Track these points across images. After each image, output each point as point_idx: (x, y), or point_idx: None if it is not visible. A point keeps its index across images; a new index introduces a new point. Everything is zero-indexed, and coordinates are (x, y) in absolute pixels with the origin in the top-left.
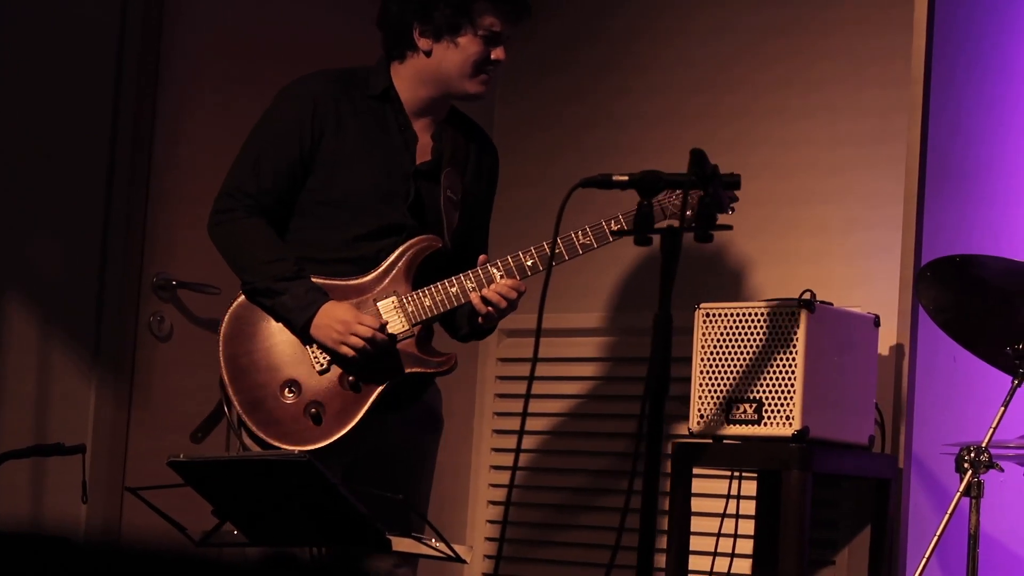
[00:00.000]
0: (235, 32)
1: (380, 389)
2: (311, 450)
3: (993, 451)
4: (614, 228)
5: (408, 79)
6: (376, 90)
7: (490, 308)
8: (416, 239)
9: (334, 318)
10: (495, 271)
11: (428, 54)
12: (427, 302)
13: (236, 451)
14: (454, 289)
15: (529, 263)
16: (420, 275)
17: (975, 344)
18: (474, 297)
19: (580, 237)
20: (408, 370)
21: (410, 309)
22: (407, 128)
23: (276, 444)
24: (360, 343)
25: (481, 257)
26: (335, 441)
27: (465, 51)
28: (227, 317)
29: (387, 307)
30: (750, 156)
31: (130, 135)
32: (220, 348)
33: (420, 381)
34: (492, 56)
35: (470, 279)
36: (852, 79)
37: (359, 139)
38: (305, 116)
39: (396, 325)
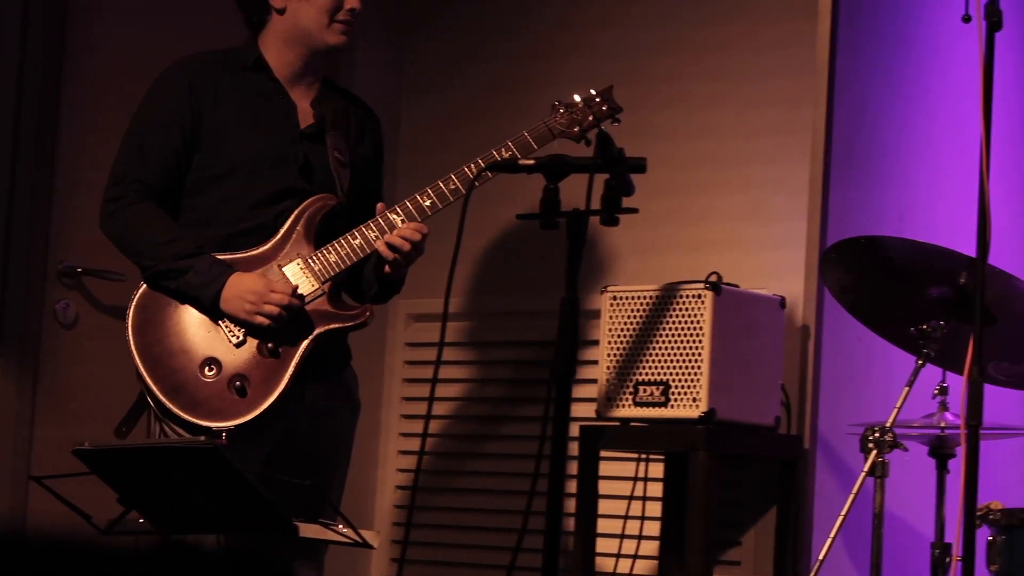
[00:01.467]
0: (141, 25)
1: (301, 350)
2: (242, 423)
3: (897, 431)
4: (505, 155)
5: (274, 46)
6: (248, 62)
7: (396, 255)
8: (310, 199)
9: (244, 289)
10: (395, 217)
11: (282, 12)
12: (332, 258)
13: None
14: (357, 241)
15: (428, 203)
16: (322, 237)
17: (880, 325)
18: (379, 244)
19: (473, 169)
20: (324, 327)
21: (317, 268)
22: (284, 95)
23: (206, 424)
24: (275, 311)
25: (379, 206)
26: (264, 412)
27: (316, 1)
28: (132, 309)
29: (293, 270)
30: (657, 144)
31: (34, 122)
32: (131, 341)
33: (338, 354)
34: (346, 4)
35: (372, 228)
36: (758, 67)
37: (240, 110)
38: (183, 95)
39: (305, 286)
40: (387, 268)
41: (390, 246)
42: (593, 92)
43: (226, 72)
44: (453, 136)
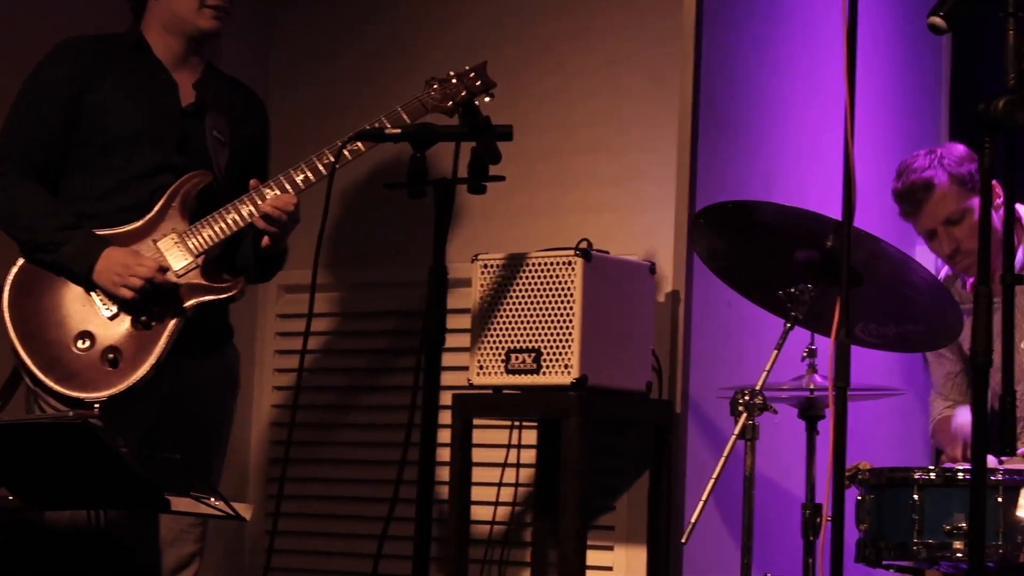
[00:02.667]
0: (23, 6)
1: (173, 323)
2: (114, 394)
3: (767, 394)
4: (388, 130)
5: (154, 31)
6: (130, 42)
7: (272, 226)
8: (187, 176)
9: (114, 262)
10: (268, 191)
11: None
12: (207, 233)
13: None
14: (231, 215)
15: (301, 177)
16: (199, 214)
17: (749, 289)
18: (253, 217)
19: (349, 145)
20: (197, 299)
21: (191, 243)
22: (167, 75)
23: (79, 396)
24: (139, 283)
25: (253, 182)
26: (136, 384)
27: None
28: (7, 285)
29: (167, 244)
30: (527, 110)
31: None
32: (5, 317)
33: (218, 331)
34: None
35: (245, 203)
36: (625, 34)
37: (121, 88)
38: (65, 74)
39: (179, 260)
40: (265, 241)
41: (264, 217)
42: (467, 67)
43: (109, 52)
44: (322, 126)
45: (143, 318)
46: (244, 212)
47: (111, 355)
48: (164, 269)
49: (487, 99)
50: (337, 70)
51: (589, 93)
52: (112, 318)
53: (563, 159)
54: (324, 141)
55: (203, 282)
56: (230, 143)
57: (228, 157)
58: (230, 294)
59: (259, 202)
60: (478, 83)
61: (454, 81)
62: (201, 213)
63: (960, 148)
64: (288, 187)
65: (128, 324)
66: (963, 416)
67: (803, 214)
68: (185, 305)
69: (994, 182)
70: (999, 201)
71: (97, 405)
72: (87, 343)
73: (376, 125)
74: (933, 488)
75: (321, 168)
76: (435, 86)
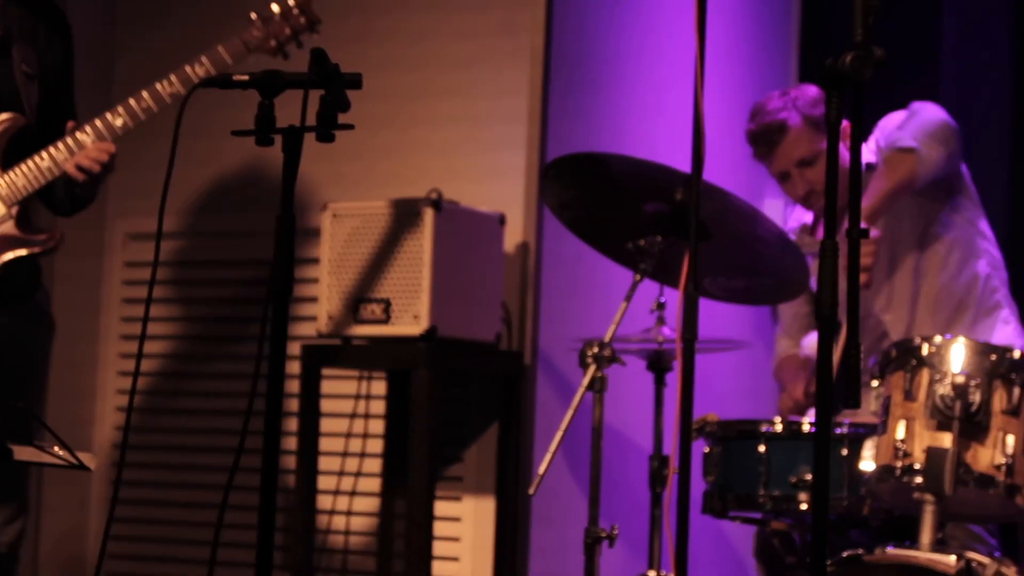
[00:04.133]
0: None
1: None
2: None
3: (616, 346)
4: (199, 72)
5: None
6: None
7: (86, 176)
8: None
9: None
10: (85, 137)
11: None
12: (20, 182)
13: None
14: (45, 163)
15: (119, 123)
16: (11, 158)
17: (599, 241)
18: (68, 166)
19: (166, 87)
20: (13, 253)
21: (4, 192)
22: None
23: None
24: None
25: (69, 124)
26: None
27: None
28: None
29: None
30: (373, 52)
31: None
32: None
33: (28, 277)
34: None
35: (60, 149)
36: None
37: None
38: None
39: None
40: (78, 189)
41: (79, 167)
42: (291, 3)
43: None
44: (170, 69)
45: None
46: (59, 159)
47: None
48: None
49: (312, 35)
50: (184, 11)
51: (440, 45)
52: None
53: (414, 110)
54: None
55: (18, 234)
56: (39, 75)
57: (38, 93)
58: (46, 248)
59: (75, 150)
60: (302, 20)
61: (277, 18)
62: (14, 158)
63: (813, 90)
64: (106, 133)
65: None
66: (814, 342)
67: (652, 167)
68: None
69: (847, 123)
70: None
71: None
72: None
73: (197, 68)
74: (779, 440)
75: (140, 112)
76: (259, 24)
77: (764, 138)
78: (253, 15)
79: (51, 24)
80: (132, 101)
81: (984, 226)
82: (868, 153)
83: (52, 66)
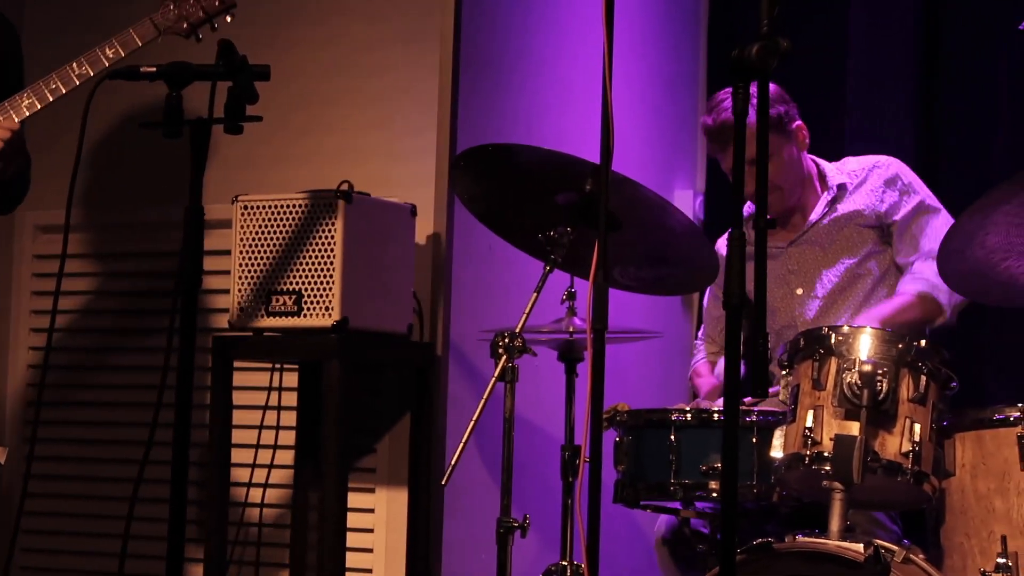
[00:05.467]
0: None
1: None
2: None
3: (527, 336)
4: (109, 53)
5: None
6: None
7: None
8: None
9: None
10: None
11: None
12: None
13: None
14: None
15: (26, 103)
16: None
17: (509, 232)
18: None
19: (74, 68)
20: None
21: None
22: None
23: None
24: None
25: None
26: None
27: None
28: None
29: None
30: (286, 50)
31: None
32: None
33: None
34: None
35: None
36: None
37: None
38: None
39: None
40: None
41: None
42: None
43: None
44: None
45: None
46: None
47: None
48: None
49: (228, 19)
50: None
51: (349, 34)
52: None
53: (323, 100)
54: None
55: None
56: None
57: None
58: None
59: None
60: (216, 2)
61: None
62: None
63: (772, 88)
64: (13, 113)
65: None
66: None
67: (562, 158)
68: None
69: (802, 124)
70: (807, 142)
71: None
72: None
73: (108, 51)
74: (689, 429)
75: (48, 94)
76: (171, 5)
77: (720, 134)
78: None
79: None
80: (40, 83)
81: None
82: (841, 175)
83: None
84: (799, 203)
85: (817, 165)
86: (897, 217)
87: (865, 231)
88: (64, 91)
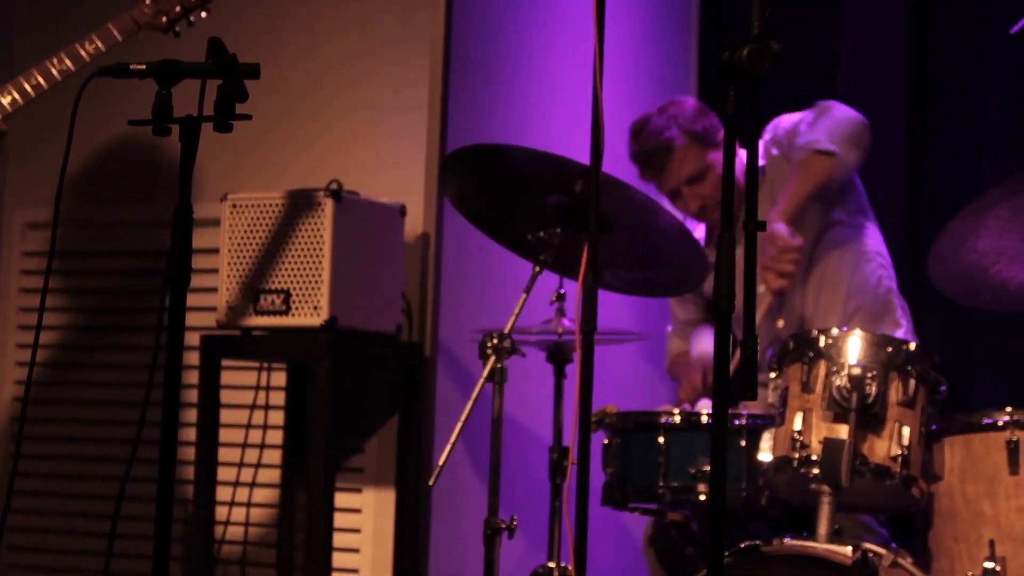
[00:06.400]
0: None
1: None
2: None
3: (516, 337)
4: (90, 49)
5: None
6: None
7: None
8: None
9: None
10: None
11: None
12: None
13: None
14: None
15: (7, 100)
16: None
17: (499, 233)
18: None
19: (55, 64)
20: None
21: None
22: None
23: None
24: None
25: None
26: None
27: None
28: None
29: None
30: (277, 48)
31: None
32: None
33: None
34: None
35: None
36: None
37: None
38: None
39: None
40: None
41: None
42: None
43: None
44: (76, 15)
45: None
46: None
47: None
48: None
49: (203, 14)
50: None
51: (340, 32)
52: None
53: (314, 100)
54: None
55: None
56: None
57: None
58: None
59: None
60: None
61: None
62: None
63: (691, 103)
64: None
65: None
66: (703, 344)
67: (552, 159)
68: None
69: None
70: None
71: None
72: None
73: (88, 46)
74: (678, 432)
75: (30, 90)
76: (148, 0)
77: (650, 161)
78: None
79: None
80: (21, 78)
81: (871, 226)
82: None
83: None
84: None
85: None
86: (795, 155)
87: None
88: (46, 87)
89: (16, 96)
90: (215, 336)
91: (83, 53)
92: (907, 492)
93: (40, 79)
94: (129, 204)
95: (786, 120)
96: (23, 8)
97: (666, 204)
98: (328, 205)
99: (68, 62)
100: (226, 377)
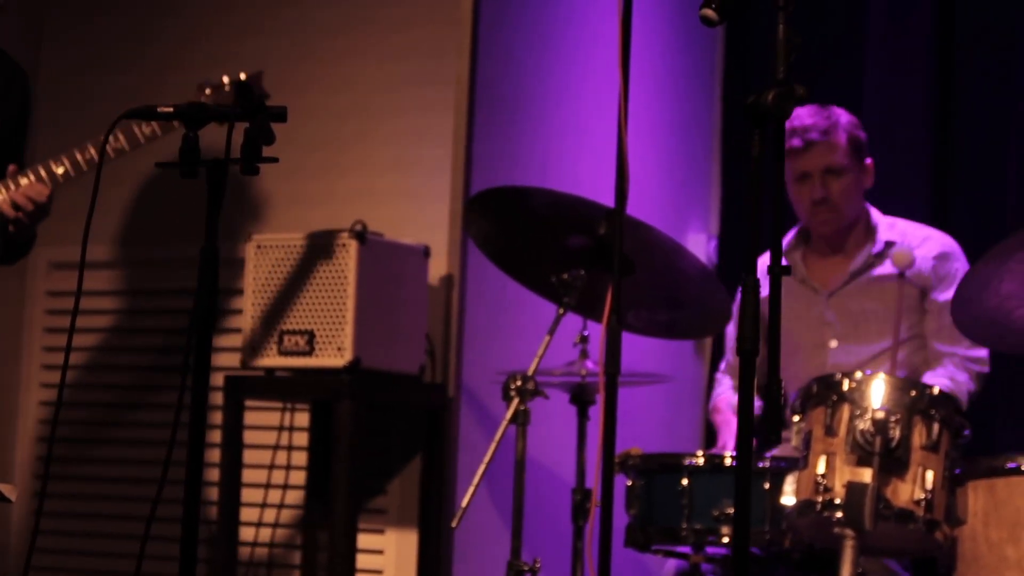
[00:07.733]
0: None
1: None
2: None
3: (540, 379)
4: (146, 131)
5: None
6: None
7: (20, 213)
8: None
9: None
10: (25, 180)
11: None
12: None
13: None
14: None
15: (61, 171)
16: None
17: (523, 274)
18: (2, 203)
19: (112, 142)
20: None
21: None
22: None
23: None
24: None
25: (11, 167)
26: None
27: None
28: None
29: None
30: (304, 91)
31: None
32: None
33: None
34: None
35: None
36: (401, 16)
37: None
38: None
39: None
40: (11, 227)
41: (13, 204)
42: (243, 76)
43: None
44: (95, 86)
45: None
46: None
47: None
48: None
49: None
50: (111, 28)
51: (366, 76)
52: None
53: (340, 142)
54: (97, 101)
55: None
56: None
57: None
58: None
59: (12, 188)
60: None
61: (226, 90)
62: None
63: (850, 116)
64: (46, 179)
65: None
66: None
67: (576, 201)
68: None
69: (872, 162)
70: (871, 183)
71: None
72: None
73: (144, 128)
74: (701, 474)
75: (83, 163)
76: (208, 91)
77: (806, 132)
78: (202, 83)
79: (8, 74)
80: (76, 151)
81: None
82: (892, 232)
83: (4, 115)
84: (844, 241)
85: (868, 212)
86: (941, 298)
87: (907, 287)
88: (98, 162)
89: (68, 168)
90: (239, 376)
91: (139, 135)
92: (930, 536)
93: (94, 153)
94: (155, 244)
95: (962, 260)
96: (48, 56)
97: (691, 242)
98: (352, 246)
99: (123, 141)
100: (249, 417)
